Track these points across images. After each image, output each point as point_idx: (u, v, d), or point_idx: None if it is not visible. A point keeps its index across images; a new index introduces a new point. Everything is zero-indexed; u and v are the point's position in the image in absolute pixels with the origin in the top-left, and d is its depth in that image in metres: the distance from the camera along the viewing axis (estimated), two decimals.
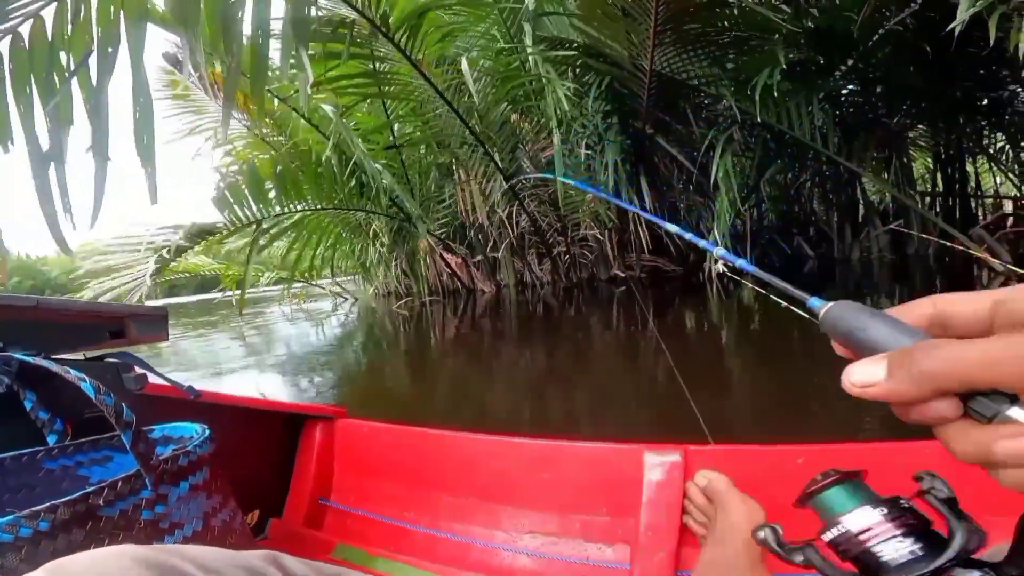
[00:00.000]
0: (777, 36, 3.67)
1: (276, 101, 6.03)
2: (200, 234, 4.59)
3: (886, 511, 0.35)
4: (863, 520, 0.36)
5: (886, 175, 5.12)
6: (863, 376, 0.22)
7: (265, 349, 4.36)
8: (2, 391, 0.65)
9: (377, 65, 4.48)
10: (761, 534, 0.40)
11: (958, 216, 5.53)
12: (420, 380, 2.81)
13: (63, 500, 0.47)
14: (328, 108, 4.87)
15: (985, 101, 5.07)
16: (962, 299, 0.23)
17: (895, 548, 0.33)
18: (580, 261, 6.17)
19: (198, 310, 11.26)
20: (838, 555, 0.36)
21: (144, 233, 4.65)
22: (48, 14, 1.71)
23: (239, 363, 3.63)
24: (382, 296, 7.92)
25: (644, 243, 5.52)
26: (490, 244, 6.45)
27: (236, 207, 4.59)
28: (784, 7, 3.91)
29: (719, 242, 4.27)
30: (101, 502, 0.49)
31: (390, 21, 4.02)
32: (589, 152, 5.13)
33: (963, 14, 2.41)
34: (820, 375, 1.86)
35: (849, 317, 0.24)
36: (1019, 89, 4.81)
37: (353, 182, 5.54)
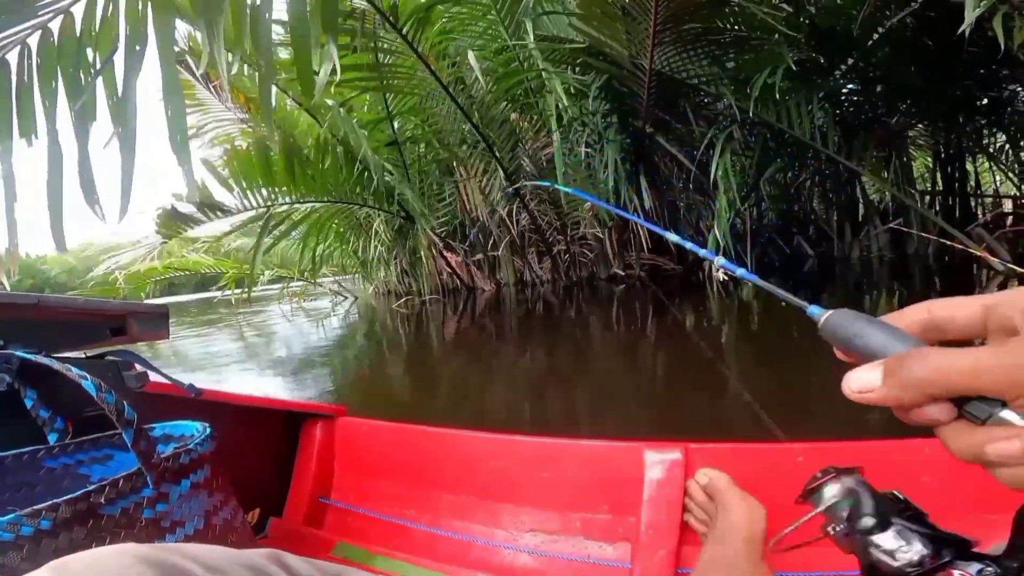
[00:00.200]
0: (777, 36, 3.66)
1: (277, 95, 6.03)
2: (211, 207, 4.62)
3: (885, 505, 0.37)
4: (862, 515, 0.37)
5: (886, 174, 5.12)
6: (860, 383, 0.23)
7: (265, 348, 4.36)
8: (3, 389, 0.65)
9: (380, 58, 4.48)
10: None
11: (958, 215, 5.53)
12: (420, 379, 2.81)
13: (64, 498, 0.47)
14: (330, 101, 4.86)
15: (985, 100, 5.06)
16: (955, 304, 0.24)
17: (895, 543, 0.34)
18: (580, 260, 6.17)
19: (198, 309, 11.26)
20: (841, 549, 0.38)
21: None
22: (78, 10, 1.71)
23: (239, 361, 3.63)
24: (382, 295, 7.92)
25: (644, 242, 5.52)
26: (490, 242, 6.45)
27: (246, 186, 4.61)
28: (785, 6, 3.91)
29: (720, 240, 4.28)
30: (102, 500, 0.49)
31: (398, 12, 4.03)
32: (589, 151, 5.12)
33: (971, 16, 2.40)
34: (820, 373, 1.87)
35: (847, 324, 0.25)
36: (1019, 88, 4.81)
37: (355, 176, 5.54)
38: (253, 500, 0.98)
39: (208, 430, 0.66)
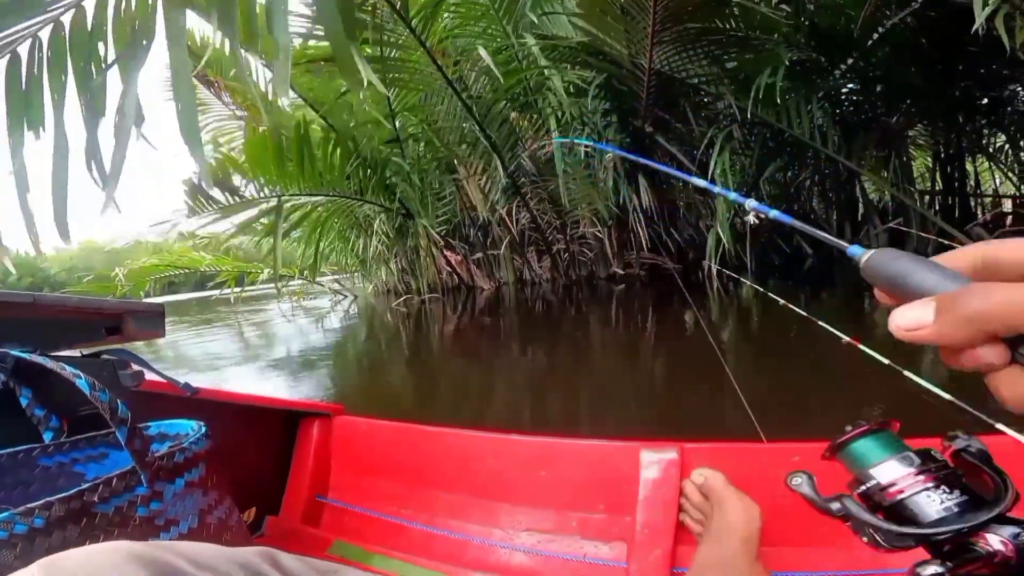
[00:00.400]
0: (776, 35, 3.66)
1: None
2: (231, 190, 4.66)
3: (918, 464, 0.34)
4: (894, 472, 0.34)
5: (885, 173, 5.11)
6: (910, 319, 0.22)
7: (264, 346, 4.36)
8: None
9: (385, 52, 4.48)
10: (796, 480, 0.39)
11: (957, 215, 5.53)
12: (419, 378, 2.81)
13: (58, 497, 0.47)
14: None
15: (985, 100, 5.06)
16: (1011, 244, 0.23)
17: (926, 502, 0.32)
18: (579, 259, 6.17)
19: (198, 307, 11.25)
20: (869, 509, 0.35)
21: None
22: (89, 4, 1.72)
23: (239, 359, 3.63)
24: (381, 293, 7.92)
25: (643, 241, 5.52)
26: (490, 241, 6.45)
27: (259, 175, 4.64)
28: (784, 6, 3.90)
29: (722, 237, 4.28)
30: (96, 499, 0.49)
31: (408, 5, 4.04)
32: (589, 149, 5.12)
33: (981, 17, 2.40)
34: (820, 374, 1.87)
35: (893, 264, 0.24)
36: (1019, 88, 4.80)
37: (358, 172, 5.54)
38: (250, 499, 0.98)
39: (203, 429, 0.66)
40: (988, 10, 2.44)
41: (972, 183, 5.91)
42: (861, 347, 0.95)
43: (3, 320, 0.64)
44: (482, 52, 4.42)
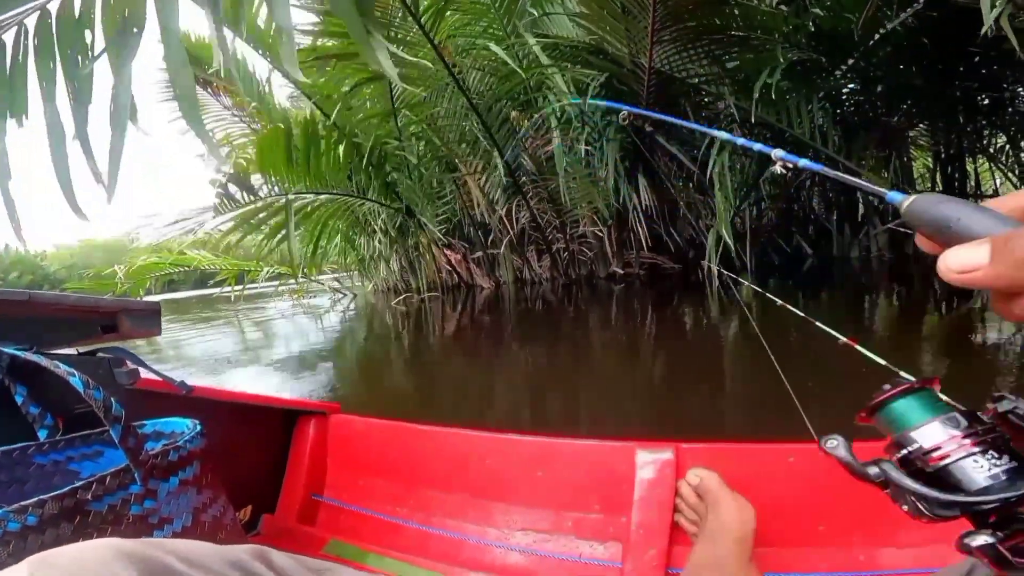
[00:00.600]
0: (776, 35, 3.66)
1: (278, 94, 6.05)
2: (249, 189, 4.69)
3: (964, 426, 0.31)
4: (938, 435, 0.31)
5: (886, 174, 5.12)
6: (963, 260, 0.21)
7: (265, 344, 4.36)
8: None
9: (393, 48, 4.49)
10: (832, 443, 0.35)
11: None
12: (418, 377, 2.81)
13: (51, 495, 0.47)
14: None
15: (986, 100, 5.06)
16: None
17: (973, 468, 0.30)
18: (579, 258, 6.17)
19: (199, 305, 11.26)
20: (909, 476, 0.32)
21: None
22: None
23: (239, 357, 3.63)
24: (381, 292, 7.93)
25: (643, 240, 5.52)
26: (490, 240, 6.45)
27: (269, 172, 4.68)
28: (783, 6, 3.90)
29: (723, 237, 4.28)
30: (89, 497, 0.49)
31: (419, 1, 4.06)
32: (589, 148, 5.12)
33: (989, 18, 2.39)
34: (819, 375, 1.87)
35: (940, 207, 0.23)
36: (1020, 89, 4.80)
37: (362, 170, 5.55)
38: (246, 497, 0.99)
39: (198, 427, 0.66)
40: (996, 11, 2.43)
41: (972, 183, 5.91)
42: (858, 348, 0.95)
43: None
44: (495, 48, 4.43)
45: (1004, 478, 0.28)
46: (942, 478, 0.30)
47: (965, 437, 0.30)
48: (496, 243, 6.39)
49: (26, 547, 0.46)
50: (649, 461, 0.83)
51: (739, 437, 0.86)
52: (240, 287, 8.40)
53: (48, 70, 1.69)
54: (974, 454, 0.30)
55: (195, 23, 5.18)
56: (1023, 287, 0.20)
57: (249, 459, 1.03)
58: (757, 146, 0.45)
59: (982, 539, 0.27)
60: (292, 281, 8.00)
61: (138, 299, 0.74)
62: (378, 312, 6.01)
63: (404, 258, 7.06)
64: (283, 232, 5.16)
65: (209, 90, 6.51)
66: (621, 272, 5.87)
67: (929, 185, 5.98)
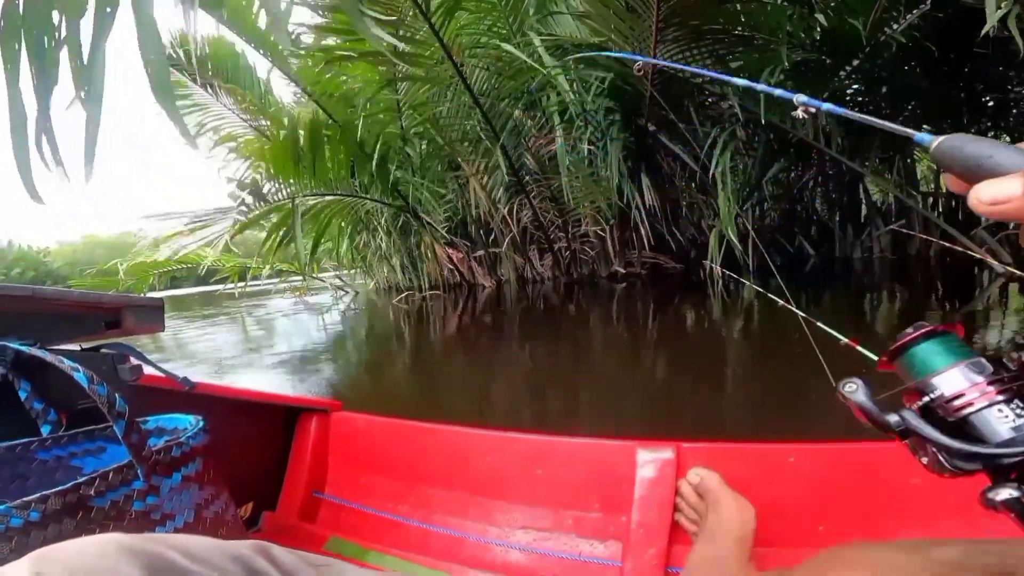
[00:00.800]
0: (781, 35, 3.64)
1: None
2: (261, 196, 4.72)
3: (990, 372, 0.30)
4: (960, 382, 0.30)
5: (889, 175, 5.10)
6: (996, 192, 0.21)
7: (266, 341, 4.37)
8: None
9: (399, 47, 4.50)
10: (850, 387, 0.33)
11: (960, 217, 5.51)
12: (418, 375, 2.82)
13: (54, 490, 0.47)
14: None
15: (991, 102, 5.04)
16: None
17: (997, 418, 0.28)
18: (581, 257, 6.16)
19: (203, 302, 11.28)
20: (930, 425, 0.30)
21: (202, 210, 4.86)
22: None
23: (241, 354, 3.64)
24: (383, 290, 7.93)
25: (645, 240, 5.51)
26: (491, 238, 6.45)
27: (277, 176, 4.72)
28: (789, 5, 3.88)
29: (727, 236, 4.28)
30: (92, 492, 0.50)
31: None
32: (592, 148, 5.12)
33: (993, 19, 2.38)
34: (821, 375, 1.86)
35: (971, 146, 0.23)
36: None
37: (365, 170, 5.57)
38: (247, 494, 0.99)
39: (201, 423, 0.66)
40: (1000, 12, 2.42)
41: None
42: (859, 348, 0.95)
43: (2, 313, 0.64)
44: (506, 46, 4.45)
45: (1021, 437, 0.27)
46: (964, 428, 0.29)
47: (990, 384, 0.29)
48: (498, 242, 6.39)
49: (28, 543, 0.46)
50: (650, 460, 0.83)
51: (739, 437, 0.85)
52: (242, 284, 8.41)
53: (13, 52, 1.67)
54: (998, 403, 0.28)
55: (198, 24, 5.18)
56: None
57: (251, 456, 1.04)
58: (778, 92, 0.44)
59: (1007, 492, 0.26)
60: (294, 278, 8.02)
61: (141, 295, 0.74)
62: (380, 310, 6.02)
63: (406, 256, 7.07)
64: (289, 234, 5.18)
65: (209, 89, 6.50)
66: (623, 271, 5.87)
67: (932, 187, 5.96)
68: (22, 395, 0.65)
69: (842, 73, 4.29)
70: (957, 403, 0.29)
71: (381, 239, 6.91)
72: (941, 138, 0.25)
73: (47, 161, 1.52)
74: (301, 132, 4.76)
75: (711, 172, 4.26)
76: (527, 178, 5.74)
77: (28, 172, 1.54)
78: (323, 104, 5.67)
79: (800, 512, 0.75)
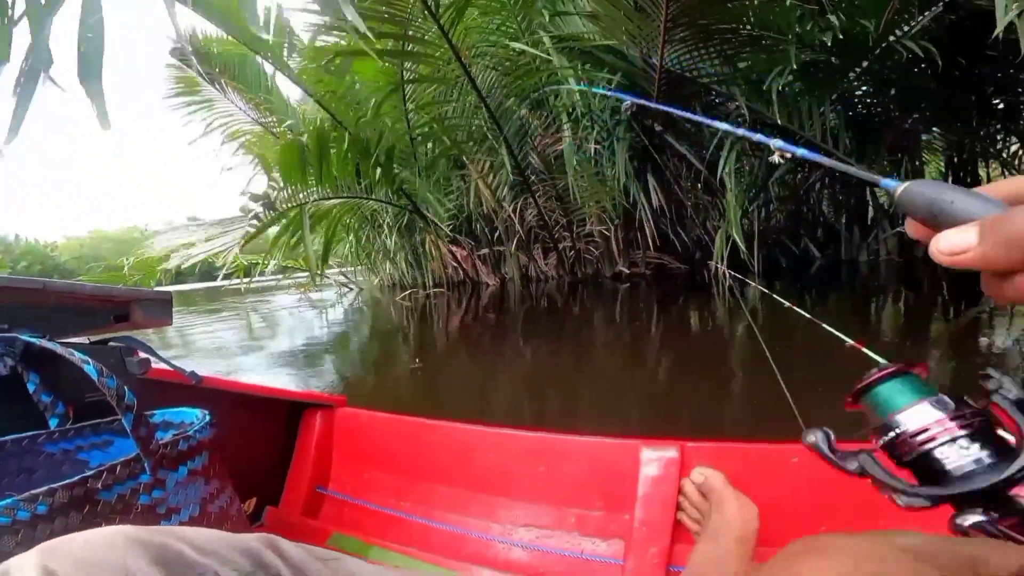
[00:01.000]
0: (790, 36, 3.62)
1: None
2: (270, 206, 4.77)
3: (951, 409, 0.31)
4: (922, 418, 0.31)
5: (897, 177, 5.08)
6: (953, 242, 0.21)
7: (271, 336, 4.39)
8: (5, 373, 0.65)
9: (406, 47, 4.51)
10: (811, 438, 0.35)
11: None
12: (422, 372, 2.82)
13: (61, 484, 0.48)
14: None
15: (1001, 105, 5.00)
16: None
17: (958, 453, 0.29)
18: (585, 257, 6.15)
19: (209, 297, 11.33)
20: (893, 461, 0.32)
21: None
22: None
23: (247, 348, 3.66)
24: (387, 287, 7.95)
25: (650, 240, 5.50)
26: (496, 237, 6.45)
27: (287, 183, 4.77)
28: (799, 4, 3.86)
29: (734, 237, 4.26)
30: (99, 486, 0.50)
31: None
32: (598, 147, 5.11)
33: (1003, 20, 2.36)
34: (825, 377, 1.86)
35: (932, 192, 0.24)
36: None
37: (371, 171, 5.58)
38: (250, 489, 0.99)
39: (207, 417, 0.67)
40: (1012, 15, 2.40)
41: None
42: (865, 350, 0.95)
43: (13, 306, 0.64)
44: (515, 44, 4.44)
45: (988, 462, 0.28)
46: (927, 464, 0.30)
47: (952, 420, 0.30)
48: (502, 240, 6.39)
49: (35, 536, 0.46)
50: (653, 459, 0.83)
51: (740, 437, 0.85)
52: (248, 279, 8.45)
53: None
54: (959, 438, 0.29)
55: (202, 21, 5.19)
56: (1010, 267, 0.20)
57: (255, 451, 1.04)
58: (757, 136, 0.45)
59: (973, 518, 0.27)
60: (299, 275, 8.03)
61: (150, 289, 0.74)
62: (384, 307, 6.03)
63: (410, 254, 7.08)
64: (297, 234, 5.21)
65: (216, 86, 6.53)
66: (627, 272, 5.86)
67: None
68: (30, 387, 0.66)
69: (851, 74, 4.27)
70: (921, 438, 0.30)
71: (386, 237, 6.92)
72: (905, 184, 0.25)
73: None
74: (307, 141, 4.79)
75: (718, 173, 4.24)
76: (532, 177, 5.74)
77: None
78: (326, 105, 5.70)
79: (803, 512, 0.75)
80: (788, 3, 3.48)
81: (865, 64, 4.09)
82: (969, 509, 0.28)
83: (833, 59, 3.97)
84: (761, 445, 0.81)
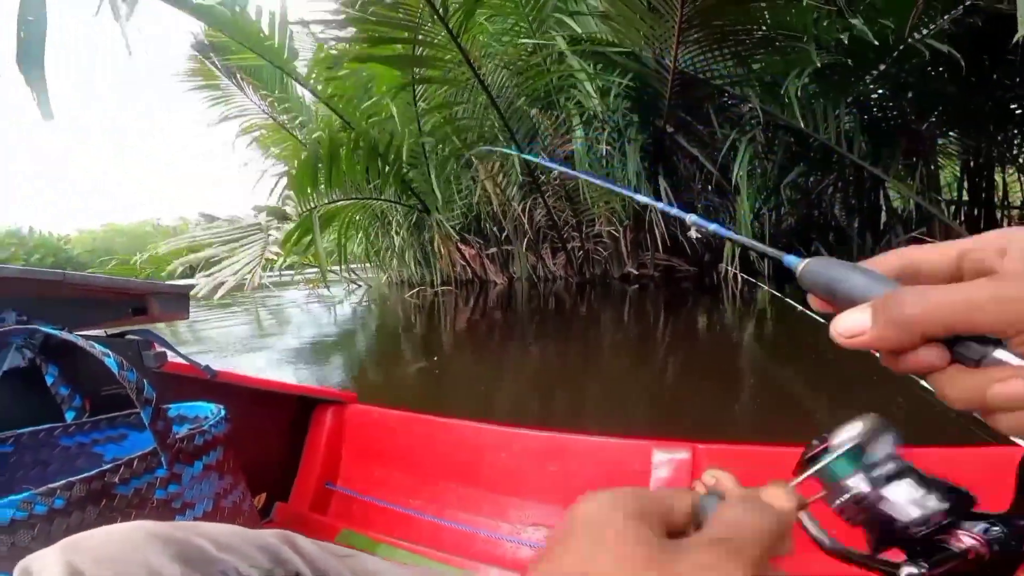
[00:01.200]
0: (808, 37, 3.58)
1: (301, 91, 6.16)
2: (282, 217, 4.80)
3: (888, 470, 0.34)
4: (861, 484, 0.34)
5: (911, 182, 5.01)
6: (849, 325, 0.22)
7: (280, 331, 4.41)
8: (24, 365, 0.65)
9: (417, 51, 4.52)
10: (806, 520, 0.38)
11: (982, 226, 5.41)
12: (428, 368, 2.82)
13: (79, 477, 0.48)
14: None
15: (1019, 110, 4.93)
16: (931, 249, 0.23)
17: (906, 495, 0.32)
18: (594, 257, 6.13)
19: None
20: (847, 522, 0.35)
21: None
22: None
23: (256, 342, 3.68)
24: (395, 284, 7.97)
25: (659, 242, 5.47)
26: (504, 236, 6.44)
27: (298, 192, 4.83)
28: (816, 5, 3.82)
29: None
30: (117, 480, 0.50)
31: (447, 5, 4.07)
32: (609, 148, 5.10)
33: None
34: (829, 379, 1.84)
35: (828, 271, 0.24)
36: None
37: (380, 173, 5.62)
38: (260, 485, 0.99)
39: (222, 412, 0.66)
40: None
41: (1000, 195, 5.77)
42: (876, 354, 0.93)
43: (32, 298, 0.65)
44: (560, 41, 4.44)
45: (923, 512, 0.32)
46: (877, 518, 0.33)
47: (888, 479, 0.33)
48: (511, 239, 6.38)
49: (51, 530, 0.46)
50: (665, 460, 0.82)
51: (750, 440, 0.85)
52: (260, 275, 8.49)
53: None
54: (899, 491, 0.33)
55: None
56: (903, 346, 0.21)
57: (265, 446, 1.04)
58: (674, 211, 0.46)
59: (908, 570, 0.31)
60: (309, 270, 8.06)
61: (167, 282, 0.74)
62: (391, 304, 6.05)
63: (419, 252, 7.09)
64: (308, 234, 5.25)
65: (234, 81, 6.57)
66: (636, 273, 5.83)
67: (956, 195, 5.85)
68: (49, 380, 0.66)
69: (868, 77, 4.22)
70: (865, 503, 0.33)
71: (395, 235, 6.94)
72: (805, 261, 0.26)
73: None
74: (319, 146, 4.84)
75: (733, 176, 4.21)
76: (542, 177, 5.73)
77: None
78: (335, 107, 5.73)
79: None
80: (805, 4, 3.44)
81: (882, 67, 4.04)
82: (909, 560, 0.31)
83: (849, 61, 3.92)
84: (773, 447, 0.80)
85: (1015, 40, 2.42)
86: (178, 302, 0.72)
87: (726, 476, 0.75)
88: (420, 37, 4.31)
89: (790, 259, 0.28)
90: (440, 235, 6.44)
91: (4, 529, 0.44)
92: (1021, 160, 5.46)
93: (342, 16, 4.34)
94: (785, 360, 2.43)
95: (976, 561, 0.30)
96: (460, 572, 0.81)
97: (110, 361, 0.51)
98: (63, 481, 0.47)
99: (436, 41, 4.39)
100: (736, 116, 4.91)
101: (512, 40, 4.83)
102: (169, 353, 0.74)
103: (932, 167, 5.19)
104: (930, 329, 0.20)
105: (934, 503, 0.32)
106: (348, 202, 5.63)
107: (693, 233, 0.47)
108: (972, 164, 5.49)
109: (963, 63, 3.23)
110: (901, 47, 3.68)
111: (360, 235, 7.39)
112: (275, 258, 4.74)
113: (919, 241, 4.90)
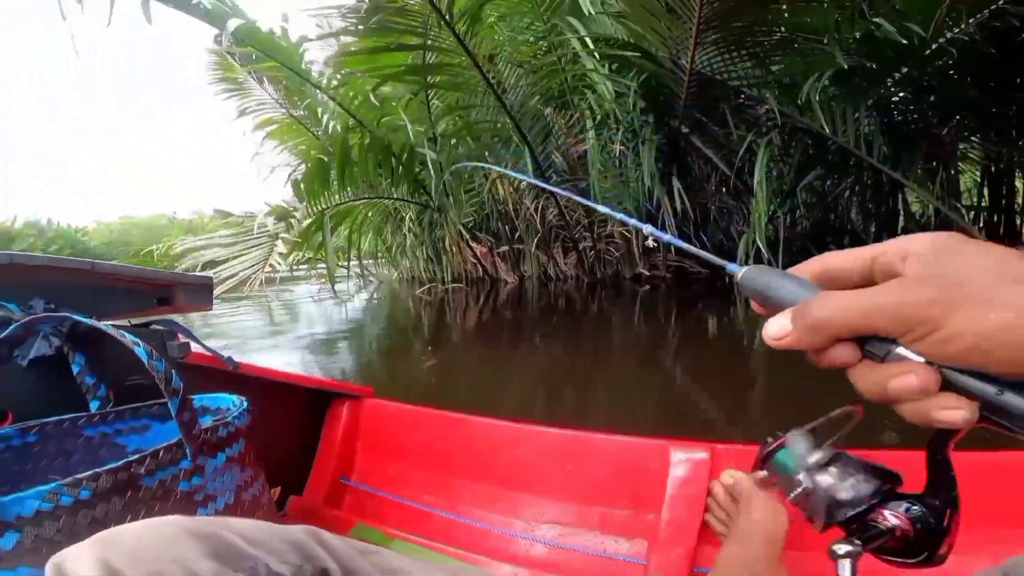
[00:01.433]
0: (829, 38, 3.54)
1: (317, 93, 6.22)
2: (285, 217, 4.88)
3: (830, 459, 0.40)
4: (805, 474, 0.40)
5: (931, 186, 4.94)
6: (775, 329, 0.24)
7: (291, 324, 4.44)
8: (50, 353, 0.66)
9: (427, 56, 4.54)
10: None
11: (1002, 232, 5.32)
12: (437, 364, 2.83)
13: (106, 468, 0.48)
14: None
15: None
16: (847, 254, 0.25)
17: (838, 478, 0.38)
18: (606, 257, 6.10)
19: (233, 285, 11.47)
20: (803, 513, 0.40)
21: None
22: None
23: (267, 336, 3.71)
24: (406, 280, 7.99)
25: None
26: (516, 235, 6.43)
27: (309, 195, 4.93)
28: (836, 7, 3.78)
29: (758, 243, 4.21)
30: (143, 471, 0.50)
31: (453, 10, 4.06)
32: (623, 148, 5.07)
33: None
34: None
35: (760, 278, 0.27)
36: None
37: (393, 173, 5.64)
38: (275, 478, 1.00)
39: (245, 404, 0.67)
40: None
41: (1020, 200, 5.68)
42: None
43: (58, 285, 0.65)
44: (574, 42, 4.44)
45: (854, 494, 0.36)
46: (819, 501, 0.38)
47: (821, 467, 0.39)
48: (522, 238, 6.37)
49: (76, 522, 0.45)
50: (683, 460, 0.82)
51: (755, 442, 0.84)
52: (272, 269, 8.55)
53: None
54: (837, 478, 0.38)
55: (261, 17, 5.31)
56: (820, 345, 0.23)
57: (281, 439, 1.05)
58: (632, 221, 0.49)
59: (845, 547, 0.35)
60: (320, 265, 8.11)
61: (192, 273, 0.75)
62: (403, 300, 6.07)
63: (430, 249, 7.10)
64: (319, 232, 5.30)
65: (253, 75, 6.64)
66: (647, 274, 5.80)
67: (975, 200, 5.76)
68: (75, 369, 0.66)
69: (889, 80, 4.16)
70: (808, 490, 0.39)
71: (406, 232, 6.96)
72: (744, 270, 0.28)
73: None
74: (332, 148, 4.88)
75: (754, 179, 4.16)
76: (555, 177, 5.71)
77: None
78: (347, 107, 5.75)
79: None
80: (826, 5, 3.40)
81: (904, 70, 3.98)
82: (846, 539, 0.35)
83: (872, 64, 3.87)
84: None
85: None
86: (202, 293, 0.73)
87: (744, 477, 0.74)
88: (428, 43, 4.32)
89: (733, 267, 0.30)
90: (452, 233, 6.45)
91: (29, 521, 0.44)
92: None
93: (349, 22, 4.37)
94: (792, 364, 2.41)
95: (903, 538, 0.34)
96: (475, 568, 0.81)
97: (140, 350, 0.51)
98: (90, 472, 0.47)
99: (444, 46, 4.40)
100: (753, 118, 4.86)
101: (526, 39, 4.82)
102: (193, 344, 0.75)
103: (952, 172, 5.12)
104: (836, 331, 0.22)
105: (861, 482, 0.36)
106: (360, 201, 5.67)
107: (650, 242, 0.53)
108: (993, 169, 5.40)
109: (997, 57, 3.16)
110: (925, 51, 3.62)
111: (371, 233, 7.42)
112: (281, 263, 4.78)
113: None
